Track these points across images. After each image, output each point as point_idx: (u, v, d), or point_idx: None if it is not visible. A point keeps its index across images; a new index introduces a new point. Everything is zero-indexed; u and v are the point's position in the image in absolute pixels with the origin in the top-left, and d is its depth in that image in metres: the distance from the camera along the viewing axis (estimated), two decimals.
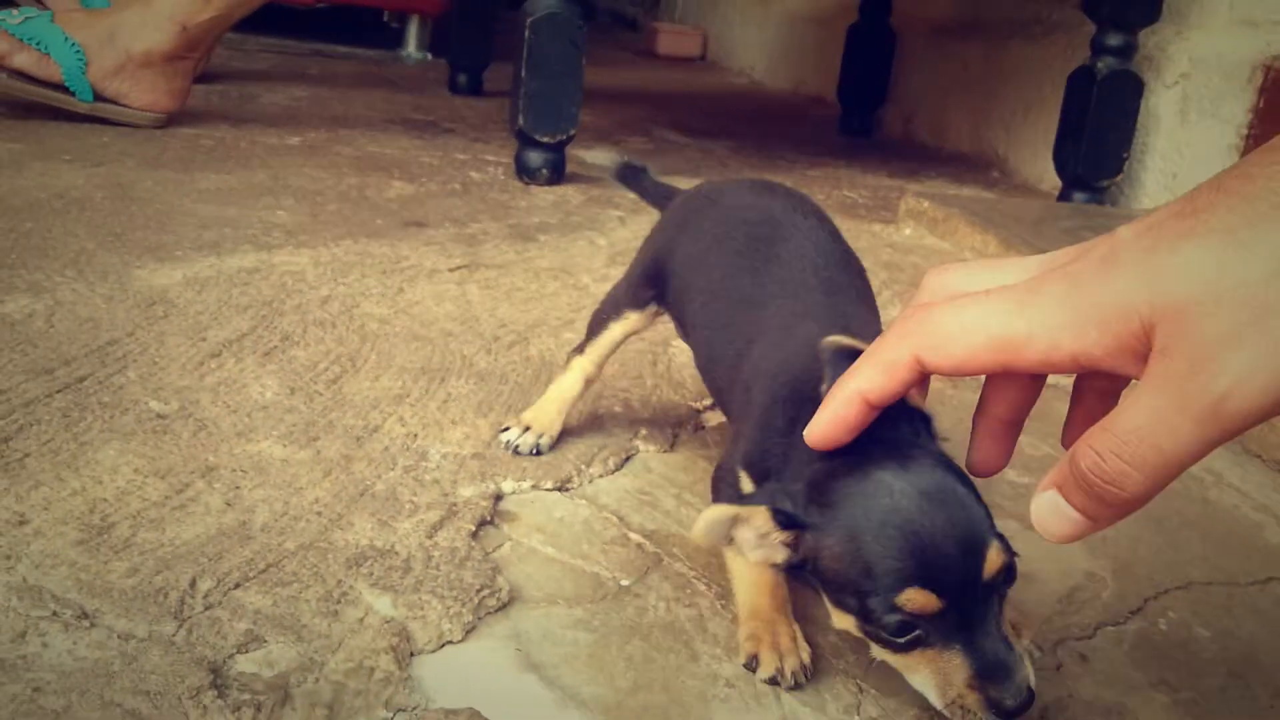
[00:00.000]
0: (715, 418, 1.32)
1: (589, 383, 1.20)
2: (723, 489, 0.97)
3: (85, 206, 1.83)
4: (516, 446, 1.14)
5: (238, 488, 1.00)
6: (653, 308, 1.15)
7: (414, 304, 1.55)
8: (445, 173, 2.42)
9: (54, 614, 0.79)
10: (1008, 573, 0.76)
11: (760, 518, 0.79)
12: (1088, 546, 1.12)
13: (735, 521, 0.80)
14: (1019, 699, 0.73)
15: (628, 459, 1.18)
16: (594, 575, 0.96)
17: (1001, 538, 0.76)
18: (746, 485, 0.94)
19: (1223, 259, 0.59)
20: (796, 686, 0.86)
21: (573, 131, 2.34)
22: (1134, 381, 0.65)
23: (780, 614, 0.89)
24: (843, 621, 0.80)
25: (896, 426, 0.80)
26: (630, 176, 1.37)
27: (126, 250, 1.63)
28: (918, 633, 0.75)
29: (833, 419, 0.79)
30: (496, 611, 0.89)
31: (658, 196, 1.34)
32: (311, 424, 1.15)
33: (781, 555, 0.81)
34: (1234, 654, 1.00)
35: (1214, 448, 0.61)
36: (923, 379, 0.76)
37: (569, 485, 1.11)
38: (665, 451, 1.22)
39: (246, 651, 0.78)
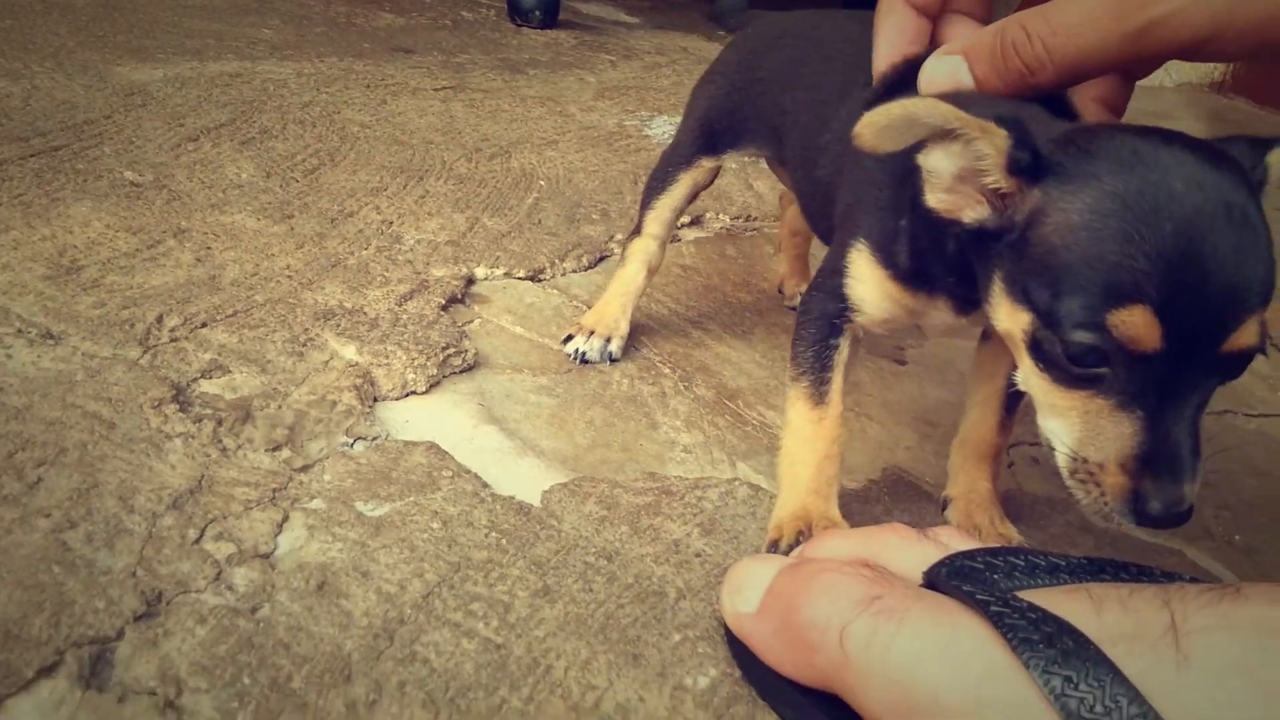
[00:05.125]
0: (691, 234, 1.32)
1: (652, 271, 1.02)
2: (818, 297, 0.75)
3: (67, 10, 1.79)
4: (584, 354, 0.97)
5: (209, 248, 1.00)
6: (727, 154, 0.98)
7: (396, 114, 1.53)
8: (436, 9, 2.37)
9: (19, 331, 0.79)
10: (1246, 359, 0.56)
11: (994, 141, 0.57)
12: None
13: (943, 134, 0.58)
14: (1173, 509, 0.55)
15: (602, 259, 1.18)
16: (560, 352, 0.97)
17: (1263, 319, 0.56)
18: (866, 273, 0.72)
19: None
20: None
21: None
22: None
23: (824, 506, 0.73)
24: (1009, 319, 0.60)
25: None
26: None
27: (107, 50, 1.60)
28: (1103, 370, 0.55)
29: (890, 31, 0.70)
30: (461, 372, 0.90)
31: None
32: (286, 204, 1.14)
33: (975, 212, 0.60)
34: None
35: (1125, 64, 0.61)
36: None
37: (541, 276, 1.11)
38: None
39: (210, 377, 0.79)
